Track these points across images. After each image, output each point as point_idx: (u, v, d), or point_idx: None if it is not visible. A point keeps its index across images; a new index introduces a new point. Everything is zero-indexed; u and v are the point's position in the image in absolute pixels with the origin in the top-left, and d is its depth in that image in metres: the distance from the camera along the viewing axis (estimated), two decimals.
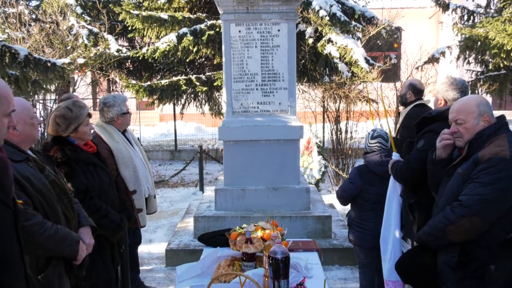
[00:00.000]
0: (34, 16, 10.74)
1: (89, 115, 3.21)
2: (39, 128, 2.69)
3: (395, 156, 3.67)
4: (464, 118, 2.78)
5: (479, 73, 9.75)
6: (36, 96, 9.28)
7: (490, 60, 9.00)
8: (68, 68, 6.56)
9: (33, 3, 11.93)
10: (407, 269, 3.15)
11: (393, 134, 6.30)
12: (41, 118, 9.91)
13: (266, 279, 2.50)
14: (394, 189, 3.65)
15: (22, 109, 2.51)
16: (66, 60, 7.05)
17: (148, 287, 4.87)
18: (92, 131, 3.29)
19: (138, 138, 4.77)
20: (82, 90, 11.37)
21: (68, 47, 9.79)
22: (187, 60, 10.25)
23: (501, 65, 8.59)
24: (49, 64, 6.09)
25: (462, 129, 2.79)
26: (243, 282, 2.42)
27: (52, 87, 9.18)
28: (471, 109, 2.76)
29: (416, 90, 4.78)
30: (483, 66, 9.75)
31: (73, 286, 2.69)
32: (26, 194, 2.28)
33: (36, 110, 10.98)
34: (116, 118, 4.13)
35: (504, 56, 7.78)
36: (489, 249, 2.54)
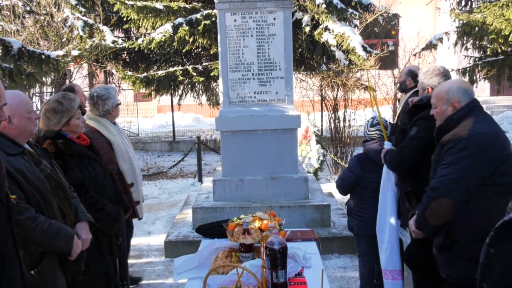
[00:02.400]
0: (28, 8, 10.62)
1: (80, 107, 3.17)
2: (36, 123, 2.66)
3: (387, 145, 3.65)
4: (435, 103, 2.93)
5: (477, 59, 9.70)
6: (32, 89, 9.25)
7: (488, 45, 8.93)
8: (63, 61, 6.51)
9: None
10: (411, 260, 3.31)
11: (392, 121, 6.29)
12: (38, 112, 9.86)
13: (264, 270, 2.48)
14: (388, 178, 3.62)
15: (19, 102, 2.48)
16: (61, 52, 6.99)
17: (136, 278, 4.84)
18: (83, 123, 3.24)
19: (122, 129, 4.73)
20: (79, 82, 11.30)
21: (63, 39, 9.70)
22: (184, 51, 10.18)
23: (499, 50, 8.53)
24: (43, 57, 6.04)
25: (435, 113, 2.93)
26: (240, 274, 2.41)
27: (48, 80, 9.13)
28: (441, 95, 2.88)
29: (415, 76, 4.75)
30: (481, 52, 9.69)
31: (70, 281, 2.68)
32: (20, 188, 2.26)
33: (33, 103, 10.93)
34: (111, 110, 4.09)
35: (502, 42, 7.72)
36: (470, 230, 2.63)
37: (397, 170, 3.50)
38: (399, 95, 7.35)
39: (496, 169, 2.63)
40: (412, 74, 4.73)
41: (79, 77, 11.64)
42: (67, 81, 10.30)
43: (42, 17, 9.89)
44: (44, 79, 6.96)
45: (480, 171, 2.63)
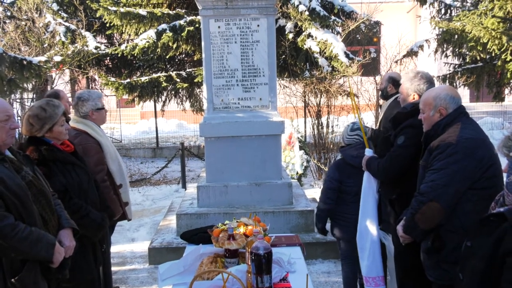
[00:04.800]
0: (9, 14, 10.51)
1: (64, 114, 3.14)
2: (14, 132, 2.57)
3: (368, 152, 3.65)
4: (423, 108, 2.99)
5: (456, 66, 9.89)
6: (13, 95, 9.12)
7: (467, 53, 9.12)
8: (45, 66, 6.45)
9: (8, 0, 11.67)
10: (402, 267, 3.32)
11: (375, 126, 6.36)
12: (18, 118, 9.73)
13: (249, 275, 2.50)
14: (369, 186, 3.62)
15: None
16: (43, 58, 6.93)
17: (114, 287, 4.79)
18: (67, 130, 3.20)
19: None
20: (61, 88, 11.19)
21: (45, 45, 9.61)
22: (167, 57, 10.17)
23: (478, 57, 8.72)
24: (25, 62, 5.99)
25: (423, 118, 3.00)
26: (226, 279, 2.41)
27: (29, 86, 9.01)
28: (429, 101, 2.95)
29: (396, 82, 4.82)
30: (461, 59, 9.89)
31: None
32: None
33: (13, 110, 10.75)
34: (91, 113, 3.99)
35: (481, 49, 7.89)
36: (457, 233, 2.67)
37: (385, 178, 3.48)
38: (381, 101, 7.45)
39: (484, 173, 2.70)
40: (393, 81, 4.80)
41: (61, 83, 11.52)
42: (49, 87, 10.19)
43: (23, 23, 9.78)
44: (25, 85, 6.87)
45: (469, 175, 2.69)
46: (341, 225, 4.10)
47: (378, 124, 5.09)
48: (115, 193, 4.01)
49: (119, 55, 9.77)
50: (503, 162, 2.38)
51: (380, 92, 5.08)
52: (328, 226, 4.32)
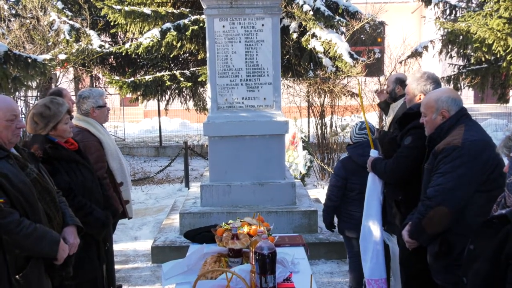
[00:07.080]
0: (13, 12, 10.55)
1: (69, 112, 3.14)
2: (20, 131, 2.56)
3: (374, 153, 3.63)
4: (425, 111, 2.96)
5: (461, 67, 9.89)
6: (17, 93, 9.15)
7: (472, 54, 9.11)
8: (50, 64, 6.47)
9: None
10: (408, 271, 3.30)
11: (378, 127, 6.34)
12: (22, 116, 9.75)
13: (253, 274, 2.49)
14: (373, 187, 3.60)
15: None
16: (47, 56, 6.96)
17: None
18: (71, 128, 3.21)
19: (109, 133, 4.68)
20: (64, 86, 11.20)
21: (49, 43, 9.64)
22: (171, 56, 10.18)
23: (483, 59, 8.70)
24: (29, 60, 5.99)
25: (425, 121, 2.97)
26: (229, 278, 2.41)
27: (34, 84, 9.04)
28: (430, 104, 2.93)
29: (404, 83, 4.81)
30: (465, 60, 9.88)
31: (57, 286, 2.65)
32: (4, 192, 2.24)
33: (20, 111, 10.78)
34: (92, 110, 3.98)
35: (486, 50, 7.87)
36: (467, 236, 2.59)
37: (391, 179, 3.44)
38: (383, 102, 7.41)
39: (490, 174, 2.68)
40: (401, 82, 4.79)
41: (65, 81, 11.55)
42: (53, 85, 10.21)
43: (28, 21, 9.82)
44: (29, 83, 6.89)
45: (475, 178, 2.67)
46: (346, 222, 4.13)
47: (388, 125, 5.06)
48: (115, 190, 4.02)
49: (123, 54, 9.78)
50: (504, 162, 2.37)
51: (388, 95, 5.07)
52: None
